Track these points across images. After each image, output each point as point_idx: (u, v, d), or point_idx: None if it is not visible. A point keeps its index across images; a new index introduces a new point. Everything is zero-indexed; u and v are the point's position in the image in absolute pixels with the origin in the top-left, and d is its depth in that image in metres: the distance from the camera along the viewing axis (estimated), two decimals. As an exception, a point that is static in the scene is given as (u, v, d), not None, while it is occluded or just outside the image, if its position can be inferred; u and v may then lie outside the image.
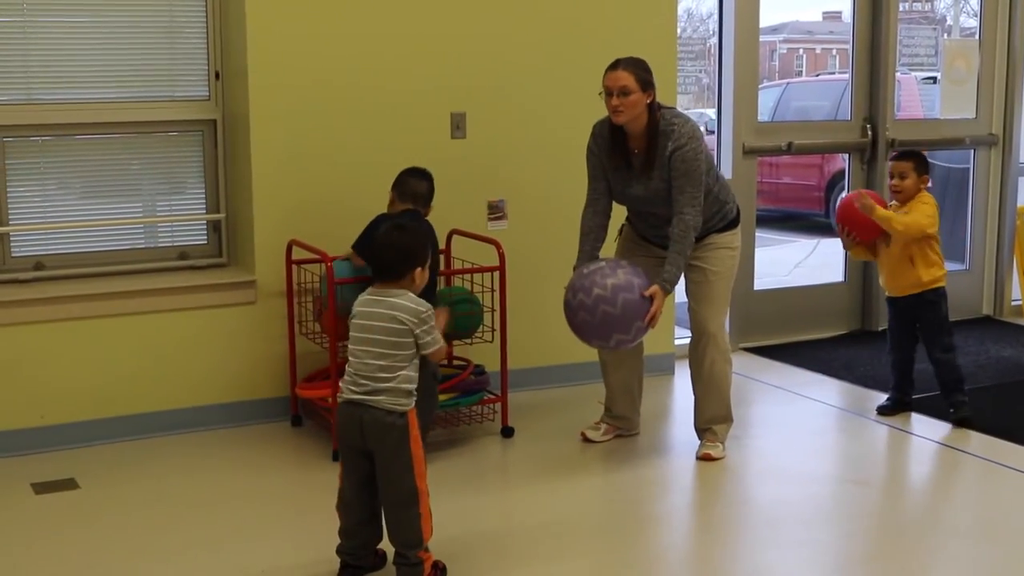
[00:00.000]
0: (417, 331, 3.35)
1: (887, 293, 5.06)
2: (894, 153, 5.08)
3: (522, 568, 3.61)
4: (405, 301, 3.36)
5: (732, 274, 4.59)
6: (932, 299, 4.92)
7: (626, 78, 4.26)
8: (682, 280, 4.46)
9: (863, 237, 4.99)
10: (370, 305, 3.40)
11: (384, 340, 3.34)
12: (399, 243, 3.43)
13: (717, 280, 4.52)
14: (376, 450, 3.35)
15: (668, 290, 4.28)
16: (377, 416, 3.32)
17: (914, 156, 4.97)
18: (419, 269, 3.42)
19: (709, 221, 4.47)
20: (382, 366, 3.32)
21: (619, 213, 4.62)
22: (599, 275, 4.21)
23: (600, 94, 4.33)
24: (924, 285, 4.90)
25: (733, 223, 4.58)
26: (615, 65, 4.31)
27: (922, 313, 4.95)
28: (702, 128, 9.82)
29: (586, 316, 4.19)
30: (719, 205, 4.50)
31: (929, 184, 4.99)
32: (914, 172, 4.89)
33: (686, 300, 4.62)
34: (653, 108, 4.32)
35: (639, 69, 4.30)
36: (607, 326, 4.18)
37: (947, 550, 3.83)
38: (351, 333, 3.41)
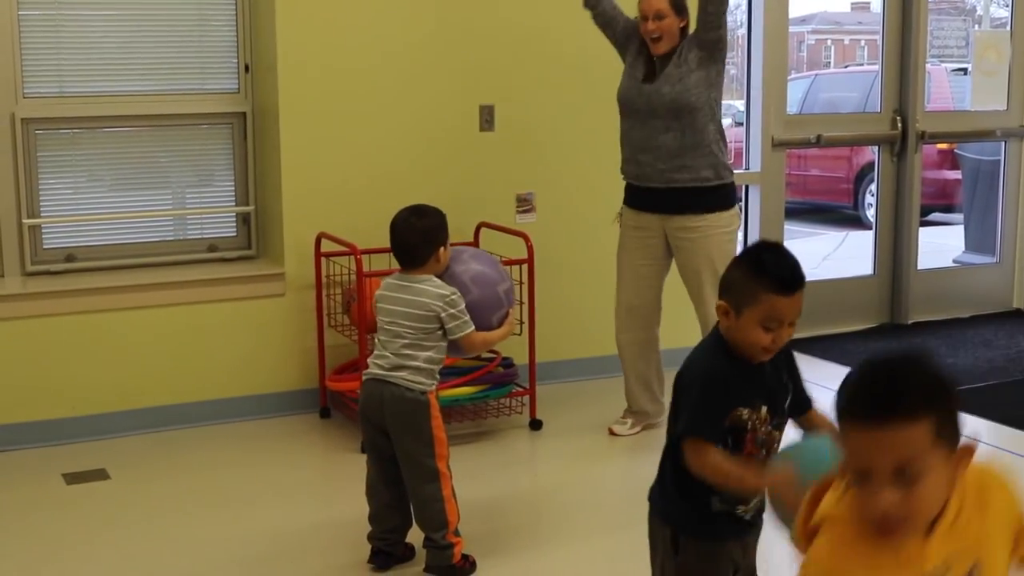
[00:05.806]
0: (444, 315, 3.34)
1: None
2: None
3: (549, 559, 3.62)
4: (430, 287, 3.36)
5: (731, 257, 4.53)
6: None
7: (660, 1, 4.22)
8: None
9: None
10: (394, 290, 3.39)
11: (409, 326, 3.34)
12: (419, 226, 3.41)
13: (716, 277, 4.45)
14: (394, 426, 3.34)
15: None
16: (396, 392, 3.32)
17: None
18: (441, 249, 3.42)
19: (701, 172, 4.32)
20: (408, 343, 3.33)
21: (617, 197, 4.60)
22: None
23: (635, 19, 4.30)
24: None
25: (730, 198, 4.44)
26: None
27: None
28: (730, 120, 9.81)
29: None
30: (712, 158, 4.33)
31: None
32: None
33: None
34: (685, 34, 4.30)
35: None
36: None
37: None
38: (378, 318, 3.42)
